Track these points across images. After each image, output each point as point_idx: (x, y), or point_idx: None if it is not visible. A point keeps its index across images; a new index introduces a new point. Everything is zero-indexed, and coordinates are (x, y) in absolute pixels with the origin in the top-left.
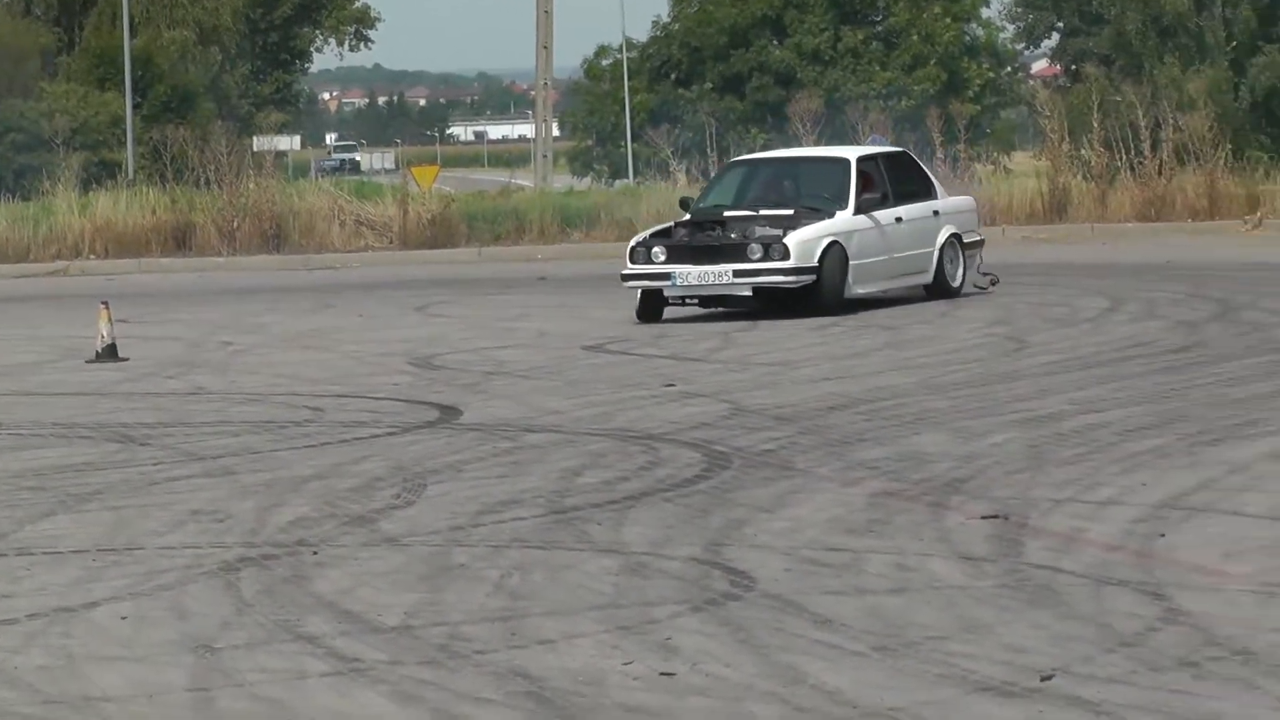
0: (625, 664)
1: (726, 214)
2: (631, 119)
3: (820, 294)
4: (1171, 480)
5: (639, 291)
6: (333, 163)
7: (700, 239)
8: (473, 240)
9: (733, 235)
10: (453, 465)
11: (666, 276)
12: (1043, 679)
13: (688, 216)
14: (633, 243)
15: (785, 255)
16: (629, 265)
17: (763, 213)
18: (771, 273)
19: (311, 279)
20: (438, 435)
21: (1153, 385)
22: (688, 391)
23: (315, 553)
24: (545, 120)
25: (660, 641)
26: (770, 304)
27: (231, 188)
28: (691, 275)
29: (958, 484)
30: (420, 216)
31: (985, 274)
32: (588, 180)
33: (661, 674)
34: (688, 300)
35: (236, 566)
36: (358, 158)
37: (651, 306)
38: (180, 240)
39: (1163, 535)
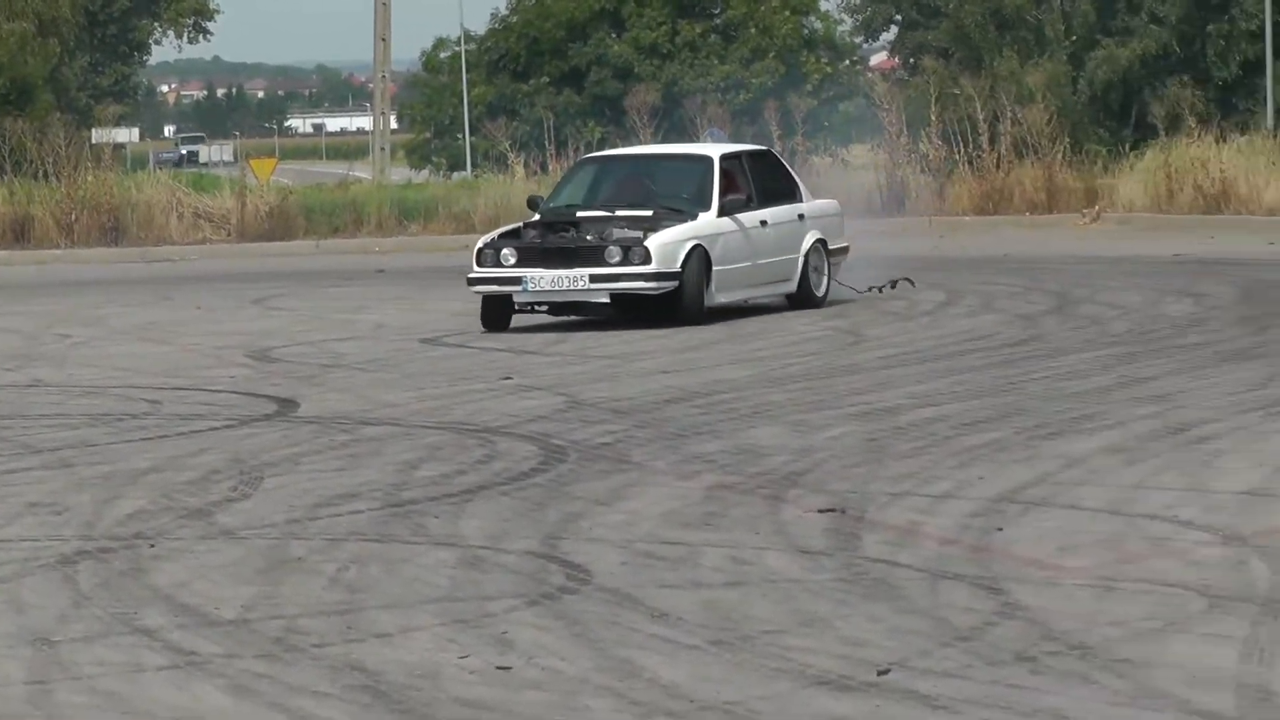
0: (462, 658)
1: (580, 214)
2: (470, 112)
3: (682, 302)
4: (1008, 474)
5: (483, 297)
6: (171, 155)
7: (553, 241)
8: (310, 233)
9: (588, 237)
10: (290, 458)
11: (517, 281)
12: (879, 673)
13: (537, 216)
14: (480, 244)
15: (646, 259)
16: (475, 268)
17: (619, 213)
18: (631, 278)
19: (150, 271)
20: (275, 428)
21: (990, 379)
22: (524, 384)
23: (152, 545)
24: (383, 113)
25: (497, 635)
26: (628, 313)
27: (70, 180)
28: (544, 280)
29: (795, 477)
30: (258, 209)
31: (896, 280)
32: (426, 173)
33: (498, 668)
34: (537, 307)
35: (74, 559)
36: (202, 148)
37: (497, 314)
38: (18, 232)
39: (1000, 529)
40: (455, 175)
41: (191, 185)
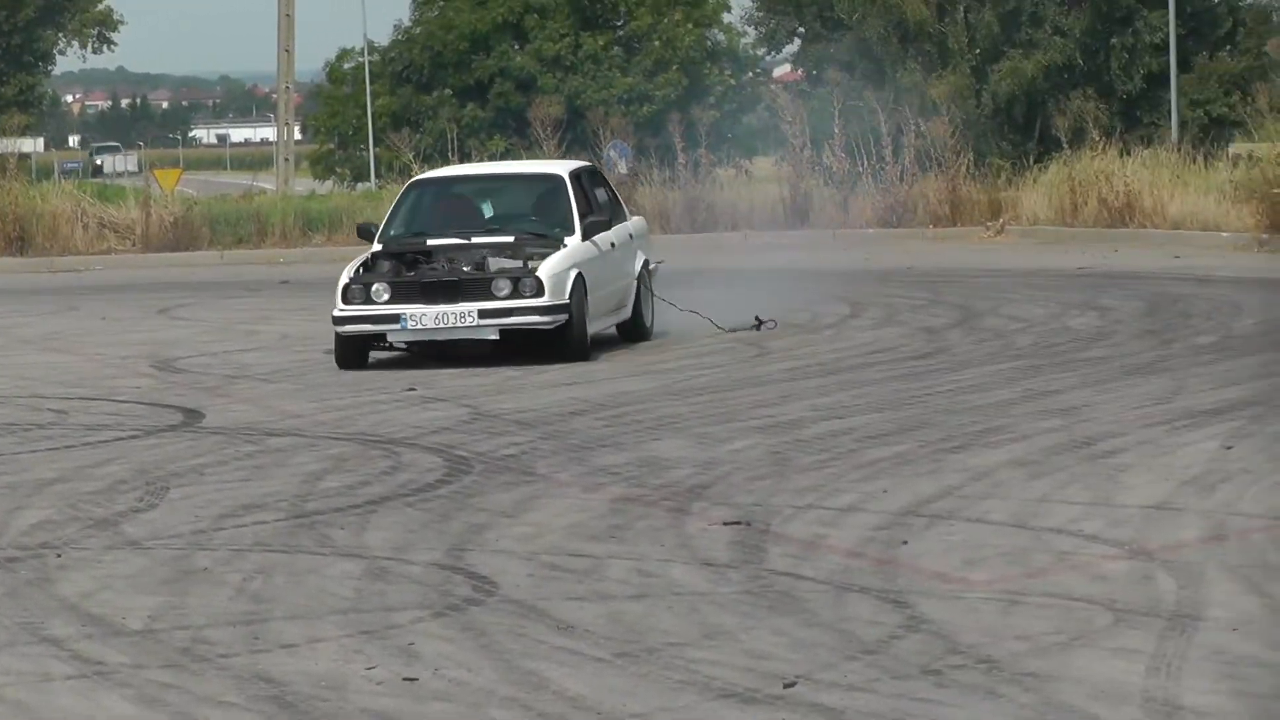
0: (368, 669)
1: (431, 243)
2: (374, 122)
3: (572, 335)
4: (913, 487)
5: (341, 336)
6: (76, 165)
7: (430, 274)
8: (215, 243)
9: (466, 268)
10: (195, 469)
11: (393, 319)
12: (785, 686)
13: (378, 247)
14: (344, 280)
15: (538, 291)
16: (342, 307)
17: (476, 240)
18: (523, 312)
19: (55, 281)
20: (180, 438)
21: (894, 392)
22: (428, 396)
23: (59, 555)
24: (287, 123)
25: (403, 646)
26: (504, 349)
27: None
28: (426, 318)
29: (699, 490)
30: (163, 219)
31: (761, 322)
32: (330, 184)
33: (404, 679)
34: (397, 345)
35: None
36: (121, 158)
37: (356, 352)
38: None
39: (905, 542)
40: (359, 186)
41: (97, 195)
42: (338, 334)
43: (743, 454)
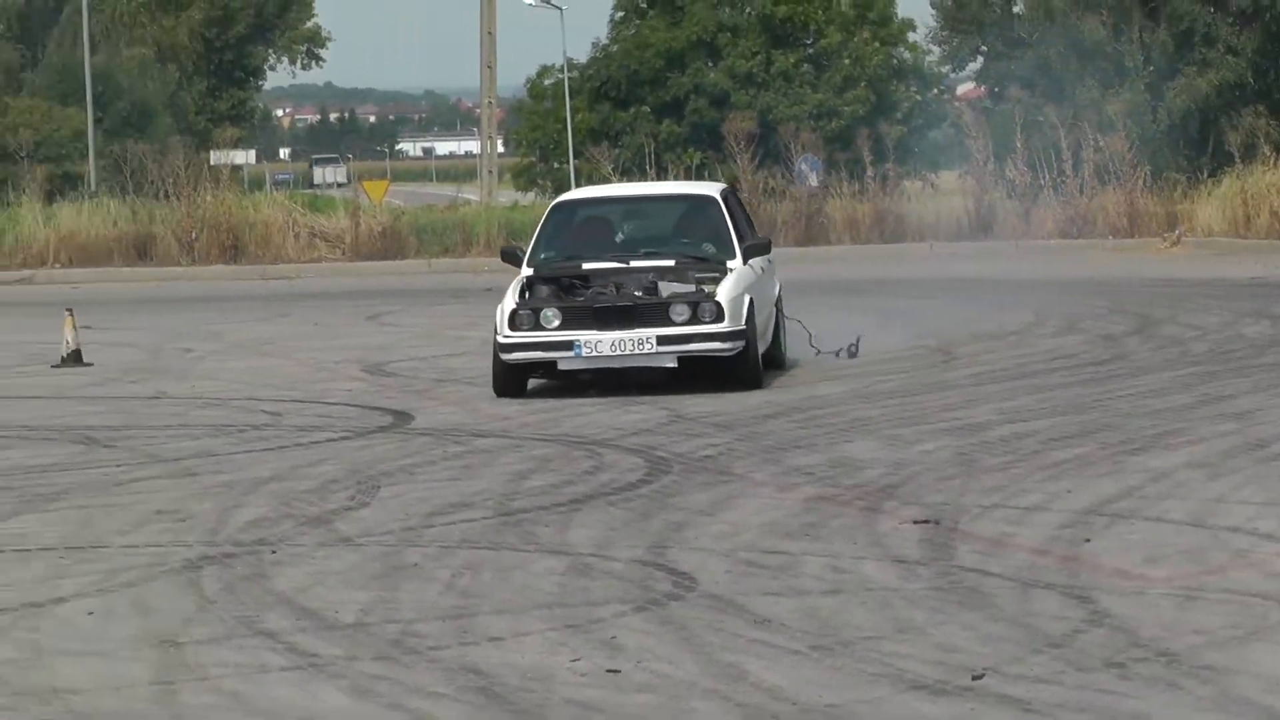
0: (572, 661)
1: (586, 266)
2: (573, 137)
3: (746, 363)
4: (1095, 488)
5: (504, 365)
6: (286, 176)
7: (603, 298)
8: (422, 252)
9: (638, 293)
10: (405, 468)
11: (566, 346)
12: (974, 678)
13: (529, 271)
14: (510, 306)
15: (718, 316)
16: (508, 332)
17: (635, 265)
18: (703, 338)
19: (268, 288)
20: (390, 439)
21: (1076, 396)
22: (629, 399)
23: (274, 551)
24: (490, 137)
25: (606, 639)
26: (678, 378)
27: (190, 200)
28: (602, 344)
29: (890, 489)
30: (371, 229)
31: (855, 345)
32: (532, 195)
33: (607, 671)
34: (581, 374)
35: (198, 564)
36: (341, 170)
37: (517, 379)
38: (141, 250)
39: (1087, 540)
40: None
41: (307, 206)
42: (504, 361)
43: (931, 455)
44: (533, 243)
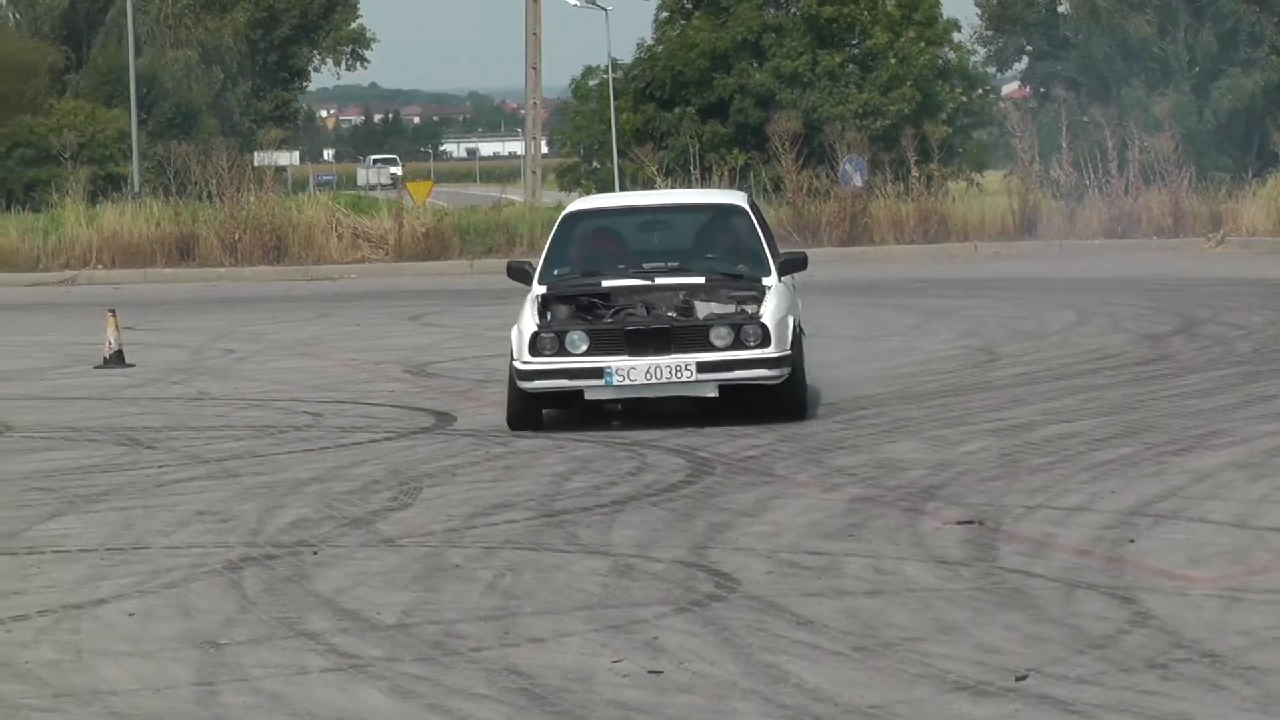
0: (614, 662)
1: (606, 284)
2: (617, 137)
3: (793, 391)
4: (1139, 488)
5: (510, 390)
6: (329, 178)
7: (636, 320)
8: (465, 253)
9: (670, 314)
10: (447, 469)
11: (595, 374)
12: (1017, 679)
13: (542, 290)
14: (530, 328)
15: (764, 340)
16: (528, 359)
17: (660, 282)
18: (747, 364)
19: (310, 289)
20: (432, 440)
21: (1120, 396)
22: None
23: (315, 553)
24: (534, 138)
25: (647, 640)
26: (710, 409)
27: (233, 200)
28: (635, 371)
29: (933, 490)
30: (415, 230)
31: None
32: (576, 195)
33: (649, 672)
34: (605, 402)
35: (239, 565)
36: (398, 171)
37: (534, 408)
38: (184, 251)
39: (1131, 541)
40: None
41: (350, 207)
42: (522, 390)
43: (975, 456)
44: (544, 257)
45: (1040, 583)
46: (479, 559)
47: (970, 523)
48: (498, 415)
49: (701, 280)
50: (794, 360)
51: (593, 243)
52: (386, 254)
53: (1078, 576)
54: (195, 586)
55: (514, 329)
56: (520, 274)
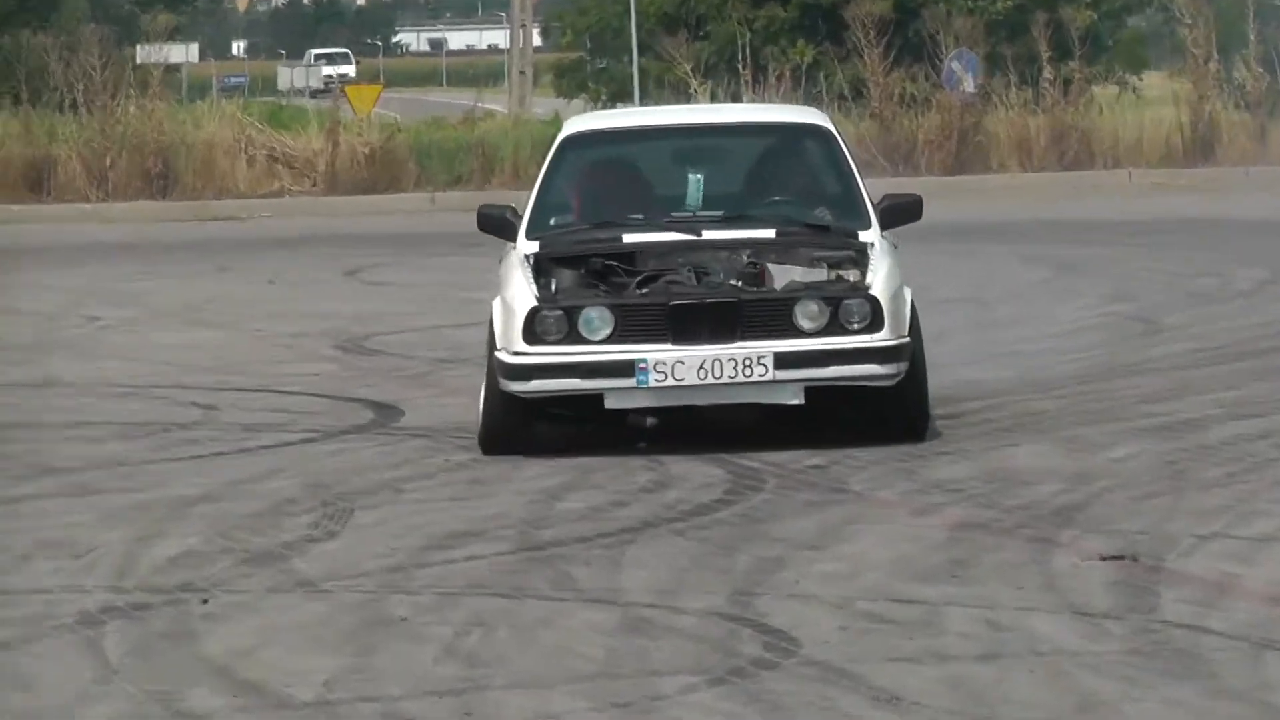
0: None
1: (628, 239)
2: (638, 25)
3: (911, 394)
4: None
5: (490, 393)
6: (240, 79)
7: (683, 293)
8: (424, 183)
9: (734, 282)
10: (390, 484)
11: (623, 370)
12: None
13: (533, 247)
14: (525, 305)
15: (874, 322)
16: (524, 347)
17: (710, 236)
18: (849, 357)
19: (206, 232)
20: (370, 443)
21: None
22: None
23: (205, 601)
24: (523, 24)
25: None
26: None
27: (106, 112)
28: (683, 366)
29: (1068, 513)
30: (356, 151)
31: None
32: (579, 104)
33: None
34: (633, 413)
35: (99, 619)
36: (350, 72)
37: (522, 420)
38: (35, 181)
39: None
40: (619, 107)
41: (267, 120)
42: (512, 394)
43: (1126, 465)
44: (533, 199)
45: (1217, 641)
46: (433, 610)
47: (1121, 558)
48: (462, 408)
49: (772, 234)
50: (914, 351)
51: (606, 178)
52: (315, 185)
53: (1269, 634)
54: (37, 648)
55: (495, 303)
56: (498, 224)
